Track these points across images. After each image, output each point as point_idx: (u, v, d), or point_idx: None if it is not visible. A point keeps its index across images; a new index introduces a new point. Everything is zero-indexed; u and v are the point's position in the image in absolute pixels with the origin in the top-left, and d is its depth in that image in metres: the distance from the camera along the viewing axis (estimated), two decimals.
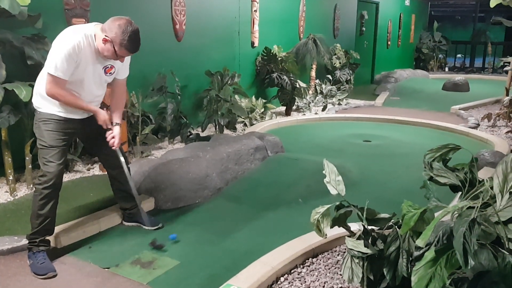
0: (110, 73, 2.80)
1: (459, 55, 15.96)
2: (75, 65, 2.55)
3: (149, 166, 3.84)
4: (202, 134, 5.50)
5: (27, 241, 2.71)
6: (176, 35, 5.64)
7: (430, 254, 1.61)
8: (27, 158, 3.76)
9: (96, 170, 4.31)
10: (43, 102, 2.65)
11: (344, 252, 2.72)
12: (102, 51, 2.62)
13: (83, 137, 2.99)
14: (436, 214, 1.89)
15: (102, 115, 2.77)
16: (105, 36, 2.57)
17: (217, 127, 5.72)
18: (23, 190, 3.75)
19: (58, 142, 2.66)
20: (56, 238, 2.88)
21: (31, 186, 3.78)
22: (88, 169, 4.31)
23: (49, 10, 4.17)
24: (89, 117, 2.80)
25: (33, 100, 2.72)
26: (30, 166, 3.80)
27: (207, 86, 5.83)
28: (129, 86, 4.49)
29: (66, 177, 4.07)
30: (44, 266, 2.60)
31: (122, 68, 2.91)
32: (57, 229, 2.93)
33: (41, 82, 2.63)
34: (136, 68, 5.13)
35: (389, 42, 12.57)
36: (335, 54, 9.19)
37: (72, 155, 4.18)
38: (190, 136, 5.29)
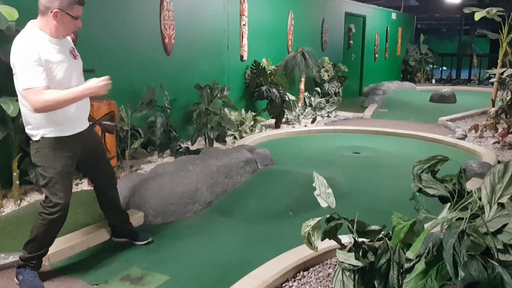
0: (77, 55, 2.63)
1: (444, 68, 16.18)
2: (44, 67, 2.36)
3: (138, 181, 3.81)
4: (191, 148, 5.49)
5: (21, 261, 2.60)
6: (165, 49, 5.66)
7: (420, 266, 1.61)
8: (14, 174, 3.72)
9: (85, 185, 4.27)
10: (42, 127, 2.47)
11: (335, 265, 2.72)
12: (58, 29, 2.44)
13: (83, 157, 2.74)
14: (425, 226, 1.90)
15: (93, 80, 2.51)
16: (51, 11, 2.39)
17: (206, 140, 5.71)
18: (10, 207, 3.69)
19: (68, 167, 2.54)
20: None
21: (18, 202, 3.73)
22: (76, 184, 4.27)
23: None
24: (87, 132, 2.72)
25: (29, 131, 2.51)
26: (17, 182, 3.75)
27: (196, 100, 5.83)
28: (118, 100, 4.49)
29: None
30: (35, 283, 2.54)
31: None
32: None
33: (25, 109, 2.47)
34: (125, 82, 5.16)
35: (376, 55, 12.72)
36: (323, 67, 9.27)
37: None
38: (180, 150, 5.28)
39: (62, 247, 2.92)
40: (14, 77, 2.42)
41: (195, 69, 6.18)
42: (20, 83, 2.37)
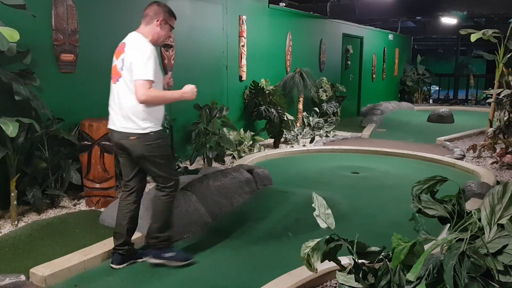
0: None
1: (435, 87, 16.30)
2: (155, 66, 2.84)
3: None
4: (190, 168, 5.49)
5: (156, 245, 3.07)
6: (165, 70, 5.70)
7: None
8: (12, 195, 3.70)
9: (83, 205, 4.25)
10: (148, 122, 2.90)
11: (335, 287, 2.69)
12: (159, 35, 2.99)
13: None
14: (425, 247, 1.89)
15: (188, 86, 3.14)
16: (157, 20, 2.94)
17: (205, 160, 5.71)
18: (7, 227, 3.67)
19: (169, 151, 3.20)
20: (41, 277, 2.80)
21: (16, 222, 3.70)
22: (75, 205, 4.25)
23: (38, 46, 4.21)
24: None
25: (132, 127, 2.89)
26: (15, 203, 3.73)
27: (195, 120, 5.86)
28: None
29: (52, 213, 4.01)
30: (182, 253, 3.15)
31: None
32: (42, 267, 2.86)
33: (126, 107, 2.90)
34: None
35: (374, 75, 12.83)
36: (321, 87, 9.34)
37: (58, 190, 4.13)
38: (179, 170, 5.26)
39: (59, 268, 2.88)
40: (123, 71, 2.88)
41: None
42: (135, 74, 2.80)
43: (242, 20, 7.14)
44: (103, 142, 4.19)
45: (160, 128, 2.98)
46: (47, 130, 4.05)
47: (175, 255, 3.08)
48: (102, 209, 4.08)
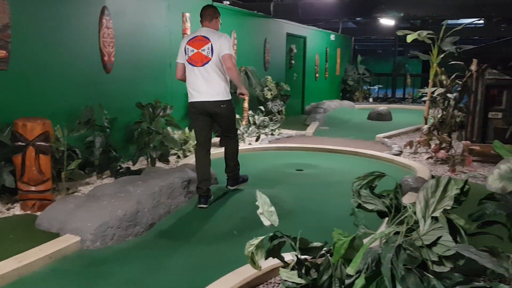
0: None
1: (375, 87, 16.93)
2: None
3: (75, 203, 3.64)
4: (133, 168, 5.34)
5: (234, 176, 4.66)
6: (105, 67, 5.51)
7: (360, 282, 1.64)
8: None
9: (17, 209, 4.03)
10: (227, 93, 4.26)
11: (280, 284, 2.71)
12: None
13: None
14: (365, 241, 1.94)
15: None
16: (217, 17, 4.35)
17: (149, 160, 5.58)
18: None
19: None
20: None
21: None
22: (8, 209, 4.02)
23: None
24: None
25: (221, 97, 4.21)
26: None
27: (138, 118, 5.70)
28: (54, 120, 4.30)
29: None
30: (245, 177, 4.86)
31: None
32: None
33: (217, 82, 4.19)
34: (61, 100, 4.96)
35: (317, 75, 13.10)
36: (266, 86, 9.41)
37: None
38: (120, 170, 5.12)
39: None
40: (212, 54, 4.14)
41: (137, 88, 6.06)
42: (226, 50, 4.11)
43: (186, 17, 7.05)
44: (38, 143, 3.98)
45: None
46: None
47: (242, 180, 4.72)
48: (39, 213, 3.87)
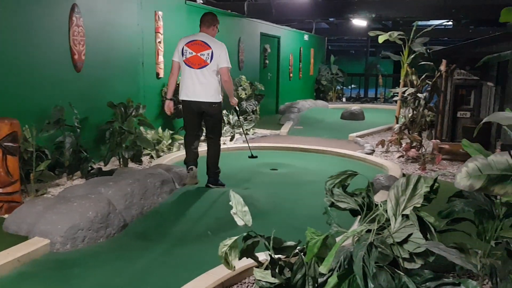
0: None
1: (353, 86, 17.18)
2: None
3: (44, 205, 3.55)
4: (104, 169, 5.25)
5: (217, 177, 4.78)
6: (75, 66, 5.39)
7: (333, 280, 1.65)
8: None
9: None
10: (218, 95, 4.61)
11: (254, 283, 2.71)
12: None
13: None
14: (337, 239, 1.96)
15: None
16: (215, 25, 4.71)
17: (121, 160, 5.50)
18: None
19: None
20: None
21: None
22: None
23: None
24: None
25: (211, 99, 4.56)
26: None
27: (110, 118, 5.61)
28: (22, 120, 4.18)
29: None
30: (221, 181, 4.85)
31: None
32: None
33: (212, 85, 4.55)
34: (30, 100, 4.83)
35: (291, 74, 13.17)
36: (240, 86, 9.40)
37: None
38: (92, 171, 5.02)
39: None
40: (211, 60, 4.51)
41: (108, 87, 5.95)
42: (225, 63, 4.52)
43: (158, 16, 6.97)
44: (5, 143, 3.86)
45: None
46: None
47: (221, 183, 4.78)
48: (6, 216, 3.76)
